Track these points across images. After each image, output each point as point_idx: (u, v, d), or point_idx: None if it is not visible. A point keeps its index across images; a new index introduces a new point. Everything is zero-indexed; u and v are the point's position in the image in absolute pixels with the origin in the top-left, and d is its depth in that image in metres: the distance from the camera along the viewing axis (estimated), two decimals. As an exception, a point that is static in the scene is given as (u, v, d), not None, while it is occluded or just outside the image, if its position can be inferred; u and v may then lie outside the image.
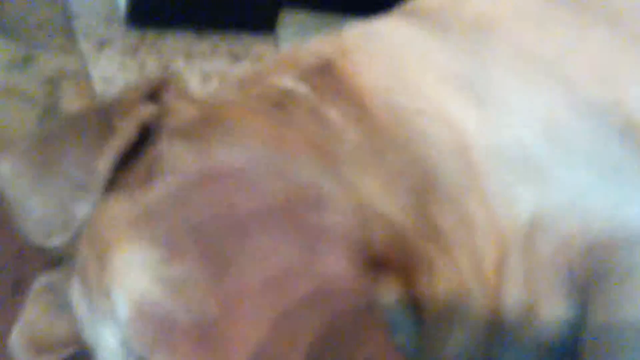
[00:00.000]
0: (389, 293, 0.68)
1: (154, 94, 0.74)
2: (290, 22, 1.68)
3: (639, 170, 0.78)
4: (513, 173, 0.77)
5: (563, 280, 0.73)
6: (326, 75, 0.79)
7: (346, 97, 0.77)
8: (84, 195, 0.68)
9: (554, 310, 0.74)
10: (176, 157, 0.69)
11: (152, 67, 1.50)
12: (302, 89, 0.77)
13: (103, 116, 0.72)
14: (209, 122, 0.73)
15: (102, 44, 1.53)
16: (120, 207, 0.68)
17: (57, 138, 0.74)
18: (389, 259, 0.69)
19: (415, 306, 0.70)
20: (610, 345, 0.67)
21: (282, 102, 0.76)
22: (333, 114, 0.75)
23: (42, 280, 0.92)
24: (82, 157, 0.69)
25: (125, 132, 0.69)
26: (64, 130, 0.75)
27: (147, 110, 0.71)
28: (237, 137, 0.71)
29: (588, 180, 0.76)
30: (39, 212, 0.70)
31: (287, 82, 0.78)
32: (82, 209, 0.68)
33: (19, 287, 1.04)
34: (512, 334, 0.77)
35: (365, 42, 0.85)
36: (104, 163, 0.68)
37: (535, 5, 0.89)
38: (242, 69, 1.55)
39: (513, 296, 0.75)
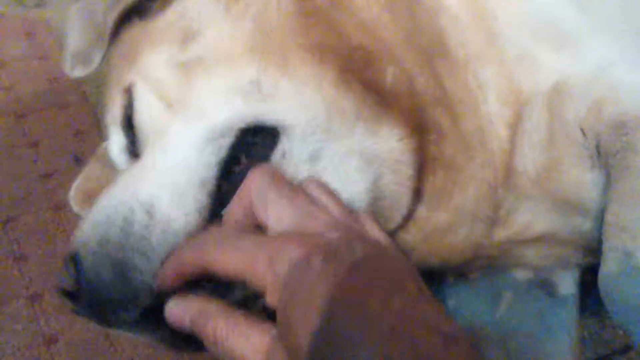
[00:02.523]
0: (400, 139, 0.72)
1: None
2: None
3: None
4: (538, 40, 0.77)
5: (589, 147, 0.74)
6: None
7: None
8: (100, 42, 0.81)
9: (576, 175, 0.75)
10: None
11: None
12: None
13: None
14: None
15: None
16: (151, 27, 0.79)
17: None
18: (400, 103, 0.72)
19: (421, 162, 0.74)
20: (634, 209, 0.67)
21: None
22: None
23: (105, 145, 1.02)
24: (104, 11, 0.81)
25: None
26: None
27: None
28: None
29: (617, 49, 0.75)
30: (73, 48, 0.83)
31: None
32: (98, 54, 0.81)
33: (79, 160, 1.14)
34: (527, 190, 0.80)
35: None
36: (111, 19, 0.80)
37: None
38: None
39: (529, 156, 0.77)
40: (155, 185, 0.68)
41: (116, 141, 0.79)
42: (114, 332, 0.73)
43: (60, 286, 0.67)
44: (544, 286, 0.89)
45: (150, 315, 0.66)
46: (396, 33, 0.76)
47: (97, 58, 0.82)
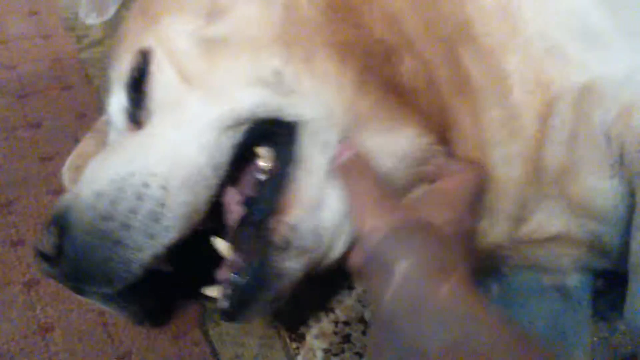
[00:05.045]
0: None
1: None
2: None
3: None
4: (567, 35, 0.74)
5: (612, 155, 0.72)
6: None
7: None
8: None
9: (593, 181, 0.73)
10: None
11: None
12: None
13: None
14: None
15: None
16: None
17: None
18: (418, 100, 0.72)
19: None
20: None
21: None
22: None
23: (102, 120, 0.99)
24: None
25: None
26: None
27: None
28: None
29: None
30: None
31: None
32: (113, 5, 0.85)
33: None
34: (546, 189, 0.78)
35: None
36: None
37: None
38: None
39: (553, 153, 0.76)
40: (168, 161, 0.65)
41: (117, 101, 0.76)
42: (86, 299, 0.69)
43: (38, 247, 0.64)
44: (559, 289, 0.88)
45: (126, 291, 0.63)
46: (417, 23, 0.74)
47: (111, 9, 0.84)
